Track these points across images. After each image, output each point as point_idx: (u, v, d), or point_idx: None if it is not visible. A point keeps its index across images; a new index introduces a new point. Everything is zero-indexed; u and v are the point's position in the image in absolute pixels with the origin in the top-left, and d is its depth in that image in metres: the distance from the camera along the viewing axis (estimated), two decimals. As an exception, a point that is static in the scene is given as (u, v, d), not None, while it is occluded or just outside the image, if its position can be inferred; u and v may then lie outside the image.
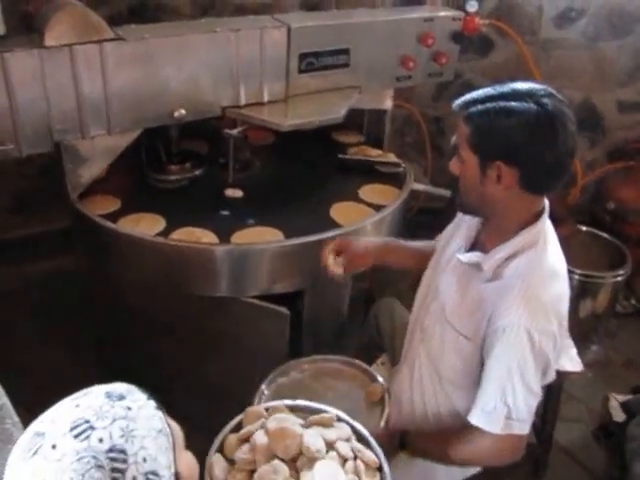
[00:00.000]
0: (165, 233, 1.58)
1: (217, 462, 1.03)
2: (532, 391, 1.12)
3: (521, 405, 1.11)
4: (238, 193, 1.80)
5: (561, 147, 1.04)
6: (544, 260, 1.12)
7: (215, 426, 1.10)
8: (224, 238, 1.58)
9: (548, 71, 2.47)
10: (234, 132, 1.73)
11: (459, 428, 1.19)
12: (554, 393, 1.41)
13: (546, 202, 1.16)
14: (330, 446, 1.03)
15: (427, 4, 2.10)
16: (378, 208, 1.75)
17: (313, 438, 1.01)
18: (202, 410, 1.49)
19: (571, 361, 1.33)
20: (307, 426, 1.06)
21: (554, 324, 1.10)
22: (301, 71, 1.72)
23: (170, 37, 1.54)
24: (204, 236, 1.58)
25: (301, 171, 1.96)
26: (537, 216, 1.14)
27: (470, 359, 1.18)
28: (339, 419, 1.09)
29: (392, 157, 2.00)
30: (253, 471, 1.01)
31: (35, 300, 2.25)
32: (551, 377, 1.17)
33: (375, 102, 1.97)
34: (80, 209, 1.62)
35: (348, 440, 1.05)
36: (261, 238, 1.59)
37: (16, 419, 0.96)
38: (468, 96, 1.10)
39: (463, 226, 1.28)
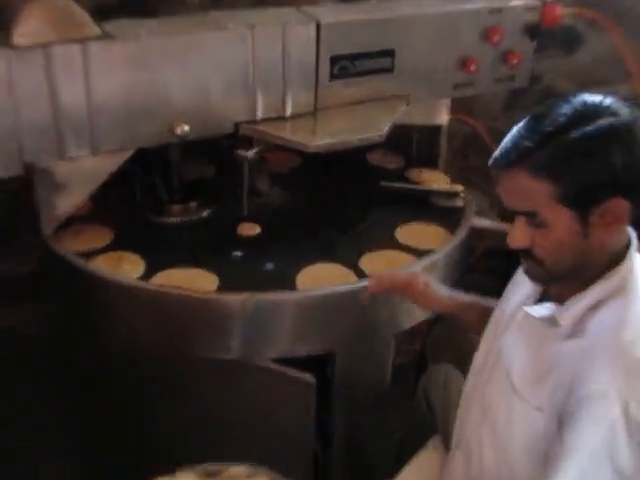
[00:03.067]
0: (155, 277, 1.50)
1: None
2: None
3: None
4: (254, 230, 1.70)
5: None
6: (639, 308, 1.04)
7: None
8: (233, 285, 1.48)
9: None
10: (249, 154, 1.65)
11: None
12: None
13: (631, 232, 1.09)
14: None
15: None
16: (426, 252, 1.62)
17: None
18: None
19: None
20: None
21: None
22: (333, 77, 1.63)
23: (171, 35, 1.45)
24: (207, 282, 1.48)
25: (332, 203, 1.89)
26: (624, 252, 1.08)
27: (543, 438, 1.08)
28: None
29: (447, 182, 1.90)
30: None
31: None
32: None
33: (427, 116, 1.89)
34: (52, 246, 1.54)
35: None
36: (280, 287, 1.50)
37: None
38: (512, 145, 1.04)
39: None
